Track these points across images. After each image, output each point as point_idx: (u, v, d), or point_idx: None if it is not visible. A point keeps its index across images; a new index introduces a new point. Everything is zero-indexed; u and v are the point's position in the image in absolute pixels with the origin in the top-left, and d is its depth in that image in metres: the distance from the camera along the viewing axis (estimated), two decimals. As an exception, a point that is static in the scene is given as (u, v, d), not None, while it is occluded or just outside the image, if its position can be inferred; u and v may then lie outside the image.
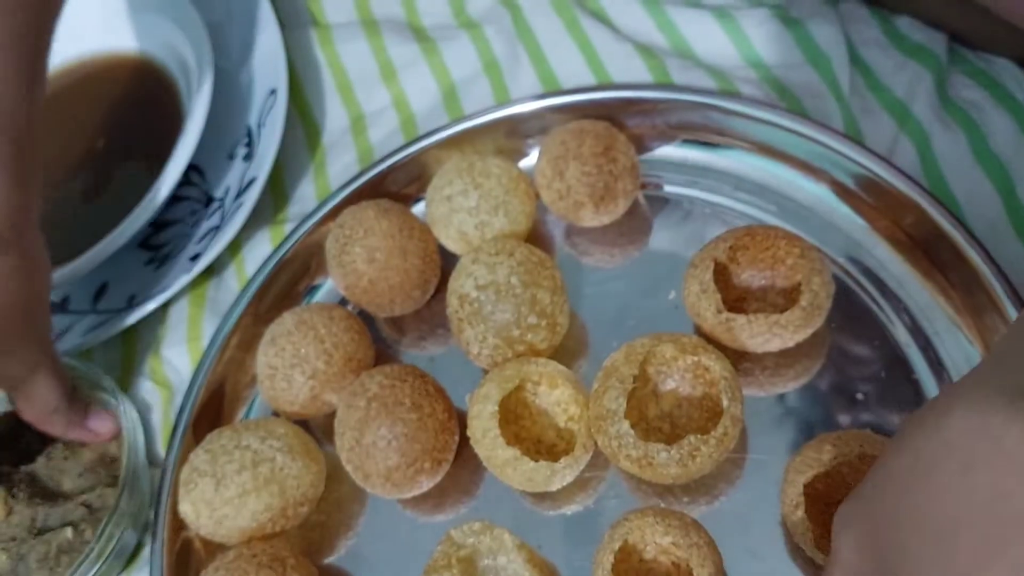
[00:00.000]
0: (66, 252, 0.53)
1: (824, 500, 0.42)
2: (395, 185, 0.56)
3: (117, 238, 0.53)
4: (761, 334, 0.44)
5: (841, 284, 0.48)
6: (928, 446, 0.27)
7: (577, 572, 0.45)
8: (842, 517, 0.32)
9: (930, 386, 0.45)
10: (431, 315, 0.54)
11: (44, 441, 0.51)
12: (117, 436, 0.50)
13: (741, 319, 0.44)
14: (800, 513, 0.40)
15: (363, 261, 0.50)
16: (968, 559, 0.25)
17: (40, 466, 0.50)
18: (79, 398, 0.50)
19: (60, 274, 0.53)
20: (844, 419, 0.45)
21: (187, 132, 0.55)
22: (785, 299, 0.47)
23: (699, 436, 0.41)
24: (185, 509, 0.45)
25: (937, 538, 0.26)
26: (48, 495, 0.49)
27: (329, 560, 0.48)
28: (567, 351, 0.50)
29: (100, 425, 0.50)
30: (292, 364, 0.47)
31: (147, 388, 0.55)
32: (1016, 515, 0.24)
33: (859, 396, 0.46)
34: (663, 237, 0.53)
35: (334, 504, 0.50)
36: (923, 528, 0.27)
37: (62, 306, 0.58)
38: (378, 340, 0.53)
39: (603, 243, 0.53)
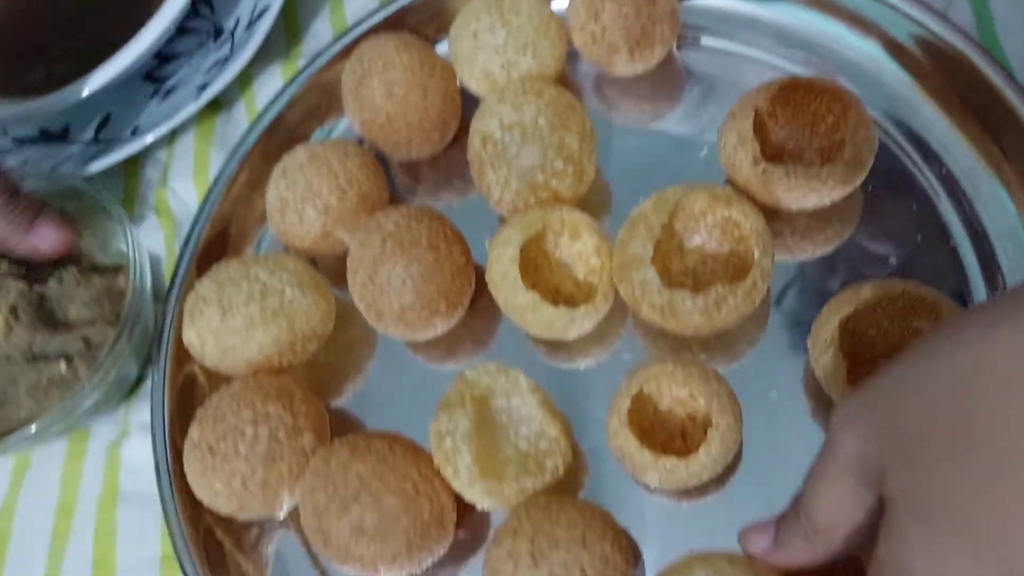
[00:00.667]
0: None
1: (851, 359, 0.41)
2: (416, 23, 0.53)
3: (118, 62, 0.50)
4: (798, 188, 0.42)
5: (882, 146, 0.46)
6: (967, 356, 0.26)
7: (588, 424, 0.44)
8: (846, 410, 0.31)
9: (968, 255, 0.44)
10: (448, 163, 0.52)
11: (58, 263, 0.49)
12: (71, 249, 0.46)
13: (779, 171, 0.42)
14: (832, 351, 0.39)
15: (381, 96, 0.47)
16: (997, 460, 0.24)
17: (51, 288, 0.48)
18: (27, 203, 0.45)
19: (57, 98, 0.50)
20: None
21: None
22: (822, 160, 0.45)
23: (727, 286, 0.40)
24: (190, 338, 0.44)
25: (966, 436, 0.25)
26: (51, 322, 0.48)
27: (336, 403, 0.48)
28: (590, 206, 0.48)
29: (45, 237, 0.45)
30: (304, 198, 0.45)
31: (151, 222, 0.53)
32: None
33: (892, 260, 0.44)
34: (698, 92, 0.50)
35: (343, 347, 0.48)
36: (951, 429, 0.26)
37: (62, 136, 0.55)
38: (392, 189, 0.51)
39: (634, 96, 0.51)
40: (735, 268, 0.44)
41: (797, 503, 0.33)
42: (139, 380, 0.50)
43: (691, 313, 0.40)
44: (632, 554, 0.40)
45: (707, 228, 0.44)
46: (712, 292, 0.40)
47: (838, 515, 0.31)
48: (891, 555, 0.28)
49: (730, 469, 0.42)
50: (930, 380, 0.27)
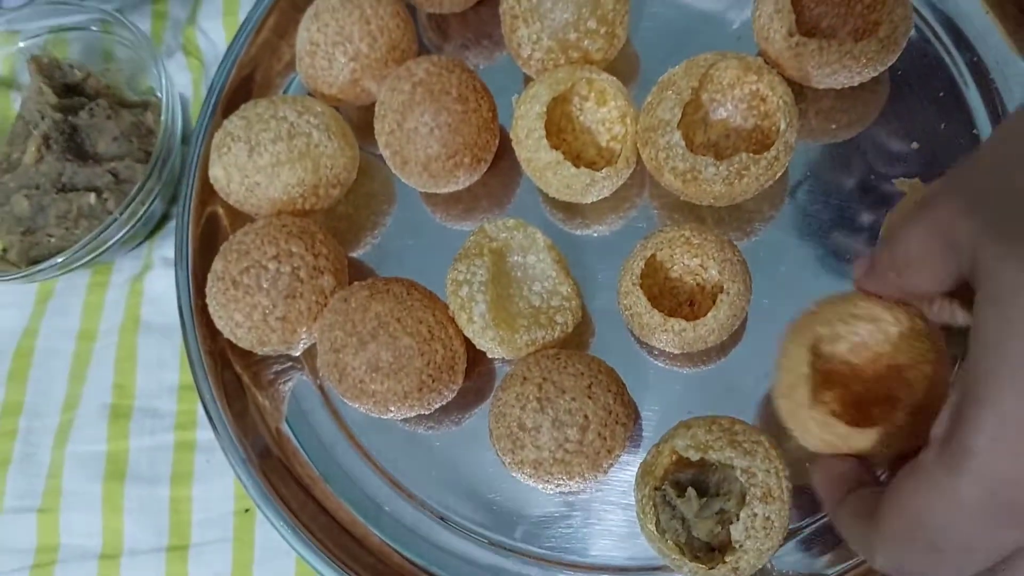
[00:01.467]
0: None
1: None
2: None
3: None
4: (830, 64, 0.42)
5: (916, 30, 0.45)
6: None
7: (599, 288, 0.45)
8: (948, 181, 0.29)
9: (989, 144, 0.44)
10: (479, 21, 0.51)
11: (92, 96, 0.49)
12: None
13: (812, 44, 0.42)
14: None
15: (417, -56, 0.46)
16: None
17: (82, 120, 0.48)
18: None
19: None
20: (894, 170, 0.44)
21: None
22: (855, 41, 0.45)
23: (750, 155, 0.40)
24: (216, 173, 0.44)
25: None
26: (80, 154, 0.48)
27: (354, 253, 0.49)
28: (618, 73, 0.47)
29: None
30: (335, 42, 0.45)
31: (178, 61, 0.53)
32: None
33: (914, 145, 0.44)
34: (735, -35, 0.50)
35: (363, 198, 0.49)
36: None
37: (89, -31, 0.55)
38: (420, 44, 0.51)
39: None
40: (757, 144, 0.44)
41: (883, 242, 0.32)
42: (163, 218, 0.51)
43: (713, 180, 0.40)
44: (633, 410, 0.42)
45: (734, 101, 0.44)
46: (736, 160, 0.40)
47: (913, 258, 0.30)
48: (985, 338, 0.25)
49: (734, 338, 0.43)
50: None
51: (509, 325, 0.41)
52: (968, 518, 0.25)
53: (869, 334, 0.33)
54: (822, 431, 0.32)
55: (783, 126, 0.40)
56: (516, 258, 0.43)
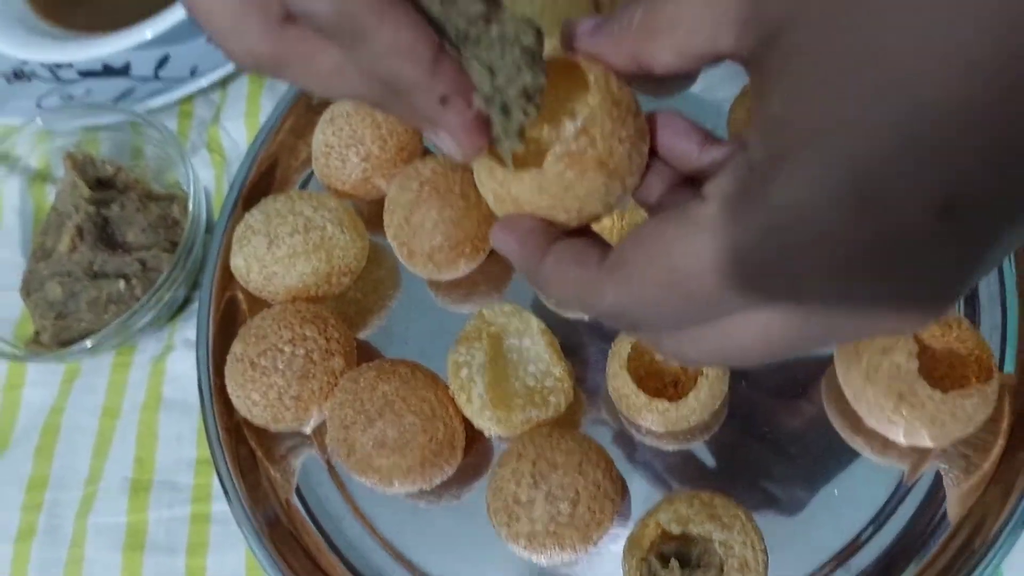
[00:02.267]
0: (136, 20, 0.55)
1: None
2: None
3: (178, 10, 0.54)
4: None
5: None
6: None
7: (589, 369, 0.49)
8: None
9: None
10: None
11: (123, 190, 0.54)
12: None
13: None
14: None
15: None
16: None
17: (113, 212, 0.53)
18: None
19: (124, 38, 0.54)
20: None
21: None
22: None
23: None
24: (237, 263, 0.48)
25: None
26: (111, 243, 0.52)
27: (363, 335, 0.52)
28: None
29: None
30: (348, 144, 0.50)
31: (202, 157, 0.57)
32: None
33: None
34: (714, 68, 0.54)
35: (371, 284, 0.53)
36: None
37: (123, 71, 0.60)
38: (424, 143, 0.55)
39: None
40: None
41: None
42: (185, 302, 0.55)
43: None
44: (621, 486, 0.45)
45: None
46: None
47: (680, 18, 0.26)
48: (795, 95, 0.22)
49: (716, 417, 0.46)
50: None
51: (506, 405, 0.44)
52: (746, 275, 0.23)
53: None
54: (489, 179, 0.29)
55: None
56: (512, 341, 0.46)
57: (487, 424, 0.44)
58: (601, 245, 0.27)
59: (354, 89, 0.27)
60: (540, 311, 0.50)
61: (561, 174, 0.27)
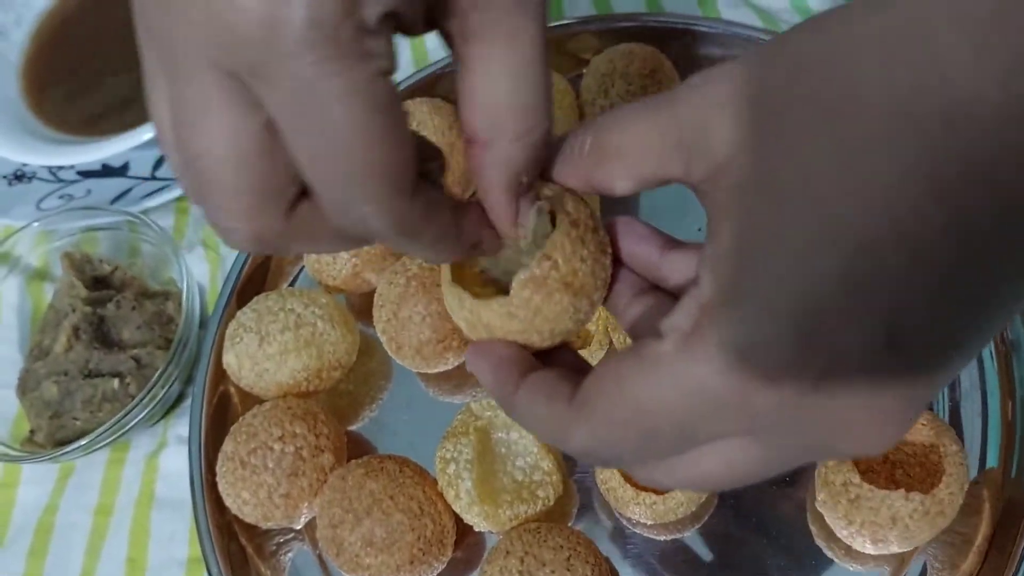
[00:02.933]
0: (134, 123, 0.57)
1: None
2: (446, 91, 0.59)
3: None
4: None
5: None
6: (850, 28, 0.22)
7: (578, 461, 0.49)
8: (709, 73, 0.25)
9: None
10: (468, 215, 0.57)
11: (119, 288, 0.55)
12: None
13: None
14: None
15: (411, 154, 0.53)
16: (859, 143, 0.21)
17: (109, 311, 0.54)
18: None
19: (120, 140, 0.56)
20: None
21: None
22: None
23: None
24: (229, 360, 0.49)
25: (836, 110, 0.22)
26: (106, 342, 0.53)
27: (354, 427, 0.53)
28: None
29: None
30: (338, 241, 0.51)
31: (198, 253, 0.58)
32: None
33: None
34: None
35: (362, 376, 0.54)
36: (821, 98, 0.22)
37: (122, 171, 0.61)
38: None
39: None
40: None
41: (594, 120, 0.28)
42: (179, 398, 0.55)
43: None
44: (612, 579, 0.44)
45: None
46: None
47: (628, 146, 0.26)
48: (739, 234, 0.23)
49: (706, 506, 0.46)
50: (805, 46, 0.23)
51: (494, 501, 0.44)
52: (702, 412, 0.24)
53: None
54: (459, 307, 0.29)
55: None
56: (500, 435, 0.46)
57: (476, 520, 0.44)
58: (573, 379, 0.28)
59: (349, 247, 0.29)
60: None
61: (528, 300, 0.27)
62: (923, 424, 0.43)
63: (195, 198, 0.26)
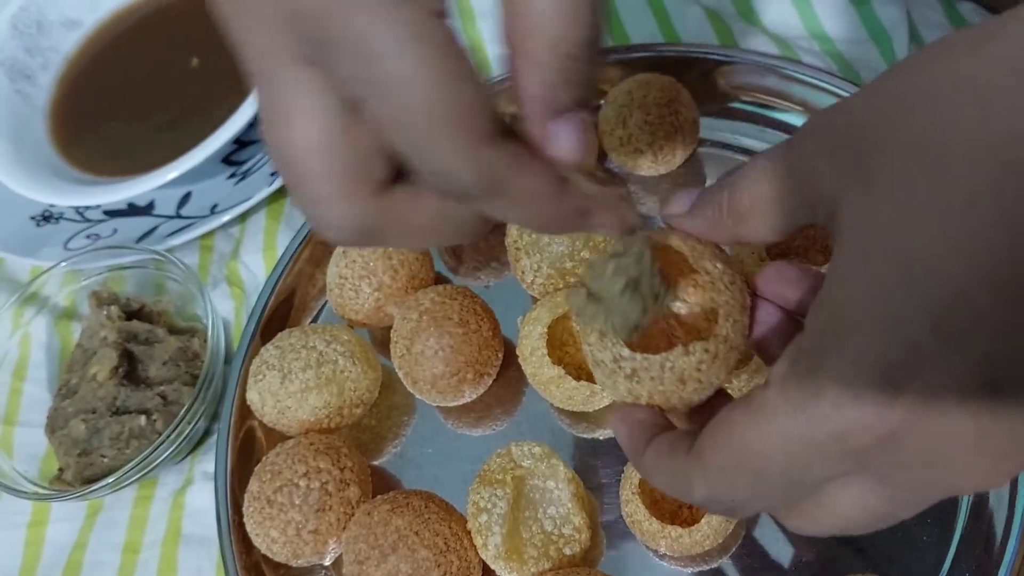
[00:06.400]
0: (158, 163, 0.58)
1: None
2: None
3: (201, 151, 0.57)
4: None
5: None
6: (948, 68, 0.23)
7: (604, 489, 0.49)
8: (815, 119, 0.27)
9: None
10: (489, 247, 0.57)
11: (146, 325, 0.55)
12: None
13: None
14: None
15: (431, 188, 0.53)
16: (961, 188, 0.22)
17: (138, 349, 0.54)
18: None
19: (146, 180, 0.57)
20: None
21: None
22: (825, 258, 0.50)
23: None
24: (252, 397, 0.49)
25: (932, 155, 0.23)
26: (134, 379, 0.54)
27: (378, 461, 0.53)
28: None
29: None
30: (361, 276, 0.51)
31: (223, 290, 0.59)
32: None
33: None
34: (715, 191, 0.56)
35: (385, 411, 0.54)
36: (916, 141, 0.23)
37: (147, 209, 0.62)
38: (437, 267, 0.57)
39: (657, 193, 0.56)
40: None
41: (726, 180, 0.30)
42: (205, 434, 0.56)
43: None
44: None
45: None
46: None
47: (758, 202, 0.28)
48: (849, 282, 0.25)
49: (734, 537, 0.46)
50: (901, 87, 0.24)
51: (519, 554, 0.44)
52: (804, 454, 0.25)
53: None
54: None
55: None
56: (535, 482, 0.46)
57: (501, 572, 0.44)
58: (695, 435, 0.29)
59: (447, 239, 0.29)
60: (554, 430, 0.51)
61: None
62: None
63: (292, 196, 0.27)
